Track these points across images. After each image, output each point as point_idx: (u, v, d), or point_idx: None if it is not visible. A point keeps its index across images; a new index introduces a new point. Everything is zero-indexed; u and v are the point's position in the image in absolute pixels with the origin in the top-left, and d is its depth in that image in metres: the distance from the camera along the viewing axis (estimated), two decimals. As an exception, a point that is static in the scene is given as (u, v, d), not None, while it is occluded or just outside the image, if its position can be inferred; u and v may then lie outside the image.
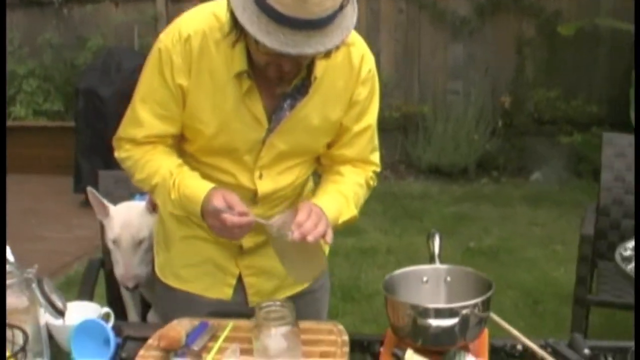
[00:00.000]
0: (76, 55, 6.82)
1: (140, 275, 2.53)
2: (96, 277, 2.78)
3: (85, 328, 1.85)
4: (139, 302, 2.76)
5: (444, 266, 1.92)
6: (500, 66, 6.55)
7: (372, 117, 2.00)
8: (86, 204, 5.56)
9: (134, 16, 6.57)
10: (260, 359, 1.70)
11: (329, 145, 2.01)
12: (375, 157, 2.07)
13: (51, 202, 6.08)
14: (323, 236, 1.74)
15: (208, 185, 1.87)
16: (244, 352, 1.78)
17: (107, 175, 2.84)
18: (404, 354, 1.52)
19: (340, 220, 1.90)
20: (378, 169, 2.07)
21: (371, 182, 2.06)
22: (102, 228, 2.68)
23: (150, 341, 1.87)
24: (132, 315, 2.73)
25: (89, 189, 2.55)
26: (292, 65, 1.74)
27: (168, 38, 1.85)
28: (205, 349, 1.83)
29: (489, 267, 4.35)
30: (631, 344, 1.97)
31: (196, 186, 1.88)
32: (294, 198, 2.08)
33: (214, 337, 1.88)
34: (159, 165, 1.93)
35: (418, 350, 1.68)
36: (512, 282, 4.35)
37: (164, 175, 1.91)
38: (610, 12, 6.23)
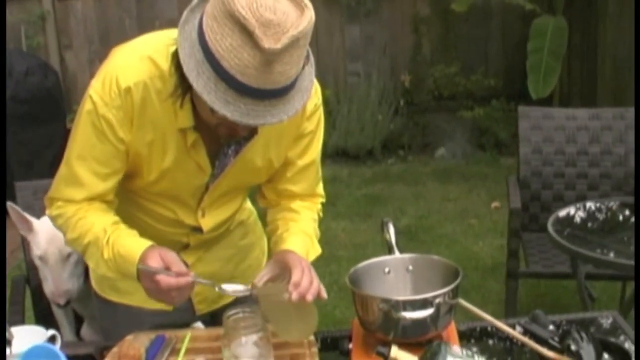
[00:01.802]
0: (-42, 59, 6.49)
1: (72, 290, 2.43)
2: (23, 296, 2.63)
3: (34, 354, 1.73)
4: (72, 318, 2.64)
5: (406, 255, 1.89)
6: (397, 46, 6.60)
7: (316, 150, 1.92)
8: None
9: (19, 16, 6.25)
10: (231, 370, 1.63)
11: (271, 179, 1.93)
12: (320, 188, 2.01)
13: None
14: (319, 293, 1.68)
15: (145, 244, 1.72)
16: (210, 363, 1.71)
17: (24, 186, 2.68)
18: (389, 351, 1.47)
19: (309, 260, 1.82)
20: (324, 200, 2.02)
21: (320, 214, 2.00)
22: (24, 244, 2.54)
23: (106, 361, 1.77)
24: (67, 332, 2.60)
25: (9, 204, 2.41)
26: (246, 128, 1.64)
27: (105, 91, 1.67)
28: (168, 364, 1.74)
29: (409, 247, 4.30)
30: (589, 315, 2.01)
31: (132, 245, 1.72)
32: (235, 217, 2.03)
33: (174, 351, 1.79)
34: (92, 223, 1.75)
35: (388, 344, 1.64)
36: (434, 260, 4.39)
37: (96, 234, 1.74)
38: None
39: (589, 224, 3.06)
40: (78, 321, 2.67)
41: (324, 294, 1.69)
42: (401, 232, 4.69)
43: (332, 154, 6.24)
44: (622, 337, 1.80)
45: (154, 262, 1.66)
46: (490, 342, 1.83)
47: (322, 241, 4.87)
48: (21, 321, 2.45)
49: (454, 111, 6.36)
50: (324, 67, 6.44)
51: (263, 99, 1.50)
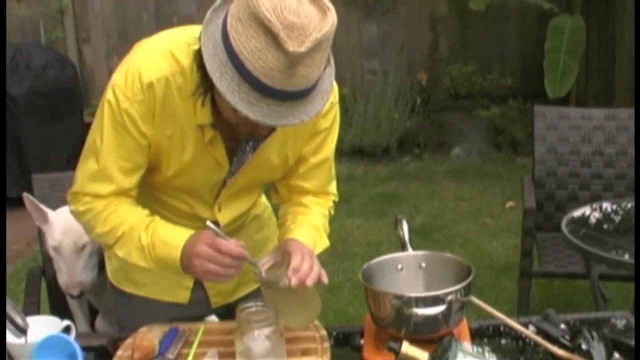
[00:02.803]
0: (-23, 52, 6.54)
1: (85, 282, 2.44)
2: (39, 287, 2.65)
3: (49, 345, 1.75)
4: (87, 310, 2.66)
5: (419, 252, 1.90)
6: (415, 44, 6.58)
7: (330, 148, 1.94)
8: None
9: (38, 10, 6.30)
10: (243, 362, 1.65)
11: (285, 175, 1.95)
12: (333, 187, 2.02)
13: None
14: (319, 278, 1.69)
15: (189, 231, 1.75)
16: (222, 355, 1.73)
17: (41, 178, 2.70)
18: (399, 346, 1.48)
19: (316, 252, 1.83)
20: (336, 199, 2.03)
21: (331, 212, 2.02)
22: (40, 235, 2.57)
23: (120, 352, 1.79)
24: (81, 323, 2.62)
25: (25, 194, 2.43)
26: (267, 128, 1.66)
27: (127, 86, 1.69)
28: (180, 356, 1.76)
29: (423, 245, 4.33)
30: (601, 314, 2.01)
31: (175, 231, 1.76)
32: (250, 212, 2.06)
33: (187, 343, 1.81)
34: (125, 216, 1.78)
35: (400, 340, 1.65)
36: (449, 259, 4.39)
37: (132, 224, 1.77)
38: (518, -14, 6.35)
39: (604, 225, 3.05)
40: (93, 313, 2.69)
41: (325, 279, 1.70)
42: (415, 231, 4.79)
43: (348, 152, 6.25)
44: (631, 336, 1.81)
45: (208, 238, 1.68)
46: (502, 340, 1.83)
47: (337, 238, 4.91)
48: (36, 312, 2.48)
49: (471, 110, 6.35)
50: (341, 65, 6.42)
51: (285, 100, 1.52)
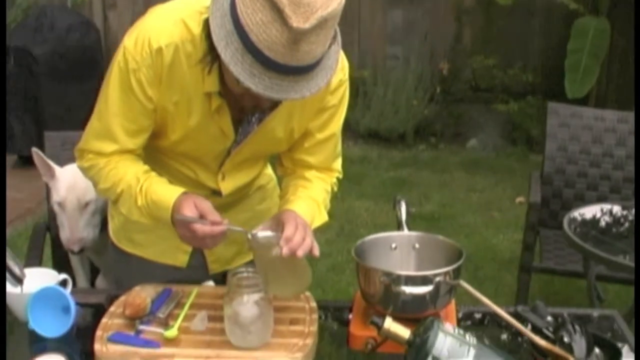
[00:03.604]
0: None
1: (86, 239, 2.48)
2: (43, 242, 2.70)
3: (44, 296, 1.80)
4: (87, 267, 2.71)
5: (413, 233, 1.92)
6: (439, 33, 6.57)
7: (337, 125, 1.95)
8: (19, 164, 5.46)
9: (66, -27, 6.35)
10: (230, 325, 1.68)
11: (290, 148, 1.97)
12: (338, 164, 2.04)
13: (-21, 162, 5.88)
14: (311, 250, 1.71)
15: (178, 191, 1.78)
16: (211, 318, 1.76)
17: (53, 136, 2.74)
18: (383, 321, 1.51)
19: (313, 226, 1.85)
20: (340, 176, 2.05)
21: (335, 188, 2.03)
22: (47, 191, 2.60)
23: (112, 308, 1.83)
24: (81, 280, 2.67)
25: (34, 149, 2.47)
26: (269, 100, 1.68)
27: (137, 50, 1.72)
28: (171, 316, 1.79)
29: (430, 233, 4.39)
30: (589, 311, 2.03)
31: (165, 192, 1.79)
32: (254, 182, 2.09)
33: (179, 304, 1.85)
34: (124, 173, 1.82)
35: (383, 316, 1.68)
36: (453, 248, 4.41)
37: (129, 182, 1.81)
38: (545, -16, 6.32)
39: (607, 226, 3.05)
40: (94, 272, 2.74)
41: (316, 252, 1.72)
42: (423, 218, 4.82)
43: (364, 135, 6.27)
44: (615, 335, 1.83)
45: (189, 211, 1.71)
46: (488, 326, 1.86)
47: (344, 219, 4.94)
48: (38, 265, 2.51)
49: (489, 103, 6.35)
50: (364, 48, 6.44)
51: (288, 74, 1.54)
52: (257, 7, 1.50)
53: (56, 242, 2.66)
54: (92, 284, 2.71)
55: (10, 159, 5.53)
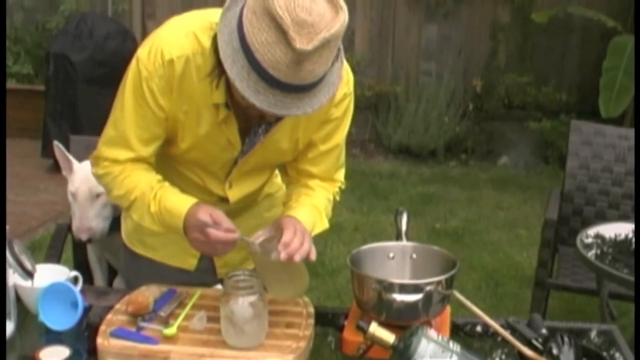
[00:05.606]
0: (48, 18, 6.72)
1: (95, 229, 2.54)
2: (63, 241, 2.77)
3: (54, 290, 1.87)
4: (105, 268, 2.78)
5: (410, 243, 1.96)
6: (473, 49, 6.60)
7: (341, 136, 2.01)
8: (53, 168, 5.58)
9: (108, -18, 6.50)
10: (225, 325, 1.73)
11: (295, 158, 2.03)
12: (341, 174, 2.09)
13: (18, 165, 6.00)
14: (308, 254, 1.76)
15: (191, 200, 1.85)
16: (211, 319, 1.81)
17: (78, 140, 2.85)
18: (368, 326, 1.55)
19: (314, 233, 1.91)
20: (343, 186, 2.10)
21: (337, 197, 2.09)
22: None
23: (118, 306, 1.89)
24: (99, 280, 2.75)
25: (56, 143, 2.57)
26: (275, 115, 1.73)
27: (150, 60, 1.78)
28: (173, 315, 1.85)
29: (453, 249, 4.37)
30: (588, 325, 2.04)
31: (179, 200, 1.86)
32: (262, 190, 2.15)
33: (181, 304, 1.90)
34: (138, 181, 1.89)
35: (382, 325, 1.72)
36: (475, 264, 4.42)
37: (143, 190, 1.87)
38: (583, 1, 6.29)
39: (623, 245, 3.04)
40: (113, 273, 2.80)
41: (313, 256, 1.77)
42: (447, 234, 4.83)
43: (394, 150, 6.30)
44: (613, 351, 1.84)
45: (205, 217, 1.78)
46: (483, 337, 1.88)
47: (369, 232, 4.96)
48: (56, 263, 2.58)
49: (522, 121, 6.34)
50: (398, 63, 6.49)
51: (291, 92, 1.60)
52: (262, 27, 1.55)
53: (77, 244, 2.74)
54: (110, 284, 2.78)
55: (46, 163, 5.67)
